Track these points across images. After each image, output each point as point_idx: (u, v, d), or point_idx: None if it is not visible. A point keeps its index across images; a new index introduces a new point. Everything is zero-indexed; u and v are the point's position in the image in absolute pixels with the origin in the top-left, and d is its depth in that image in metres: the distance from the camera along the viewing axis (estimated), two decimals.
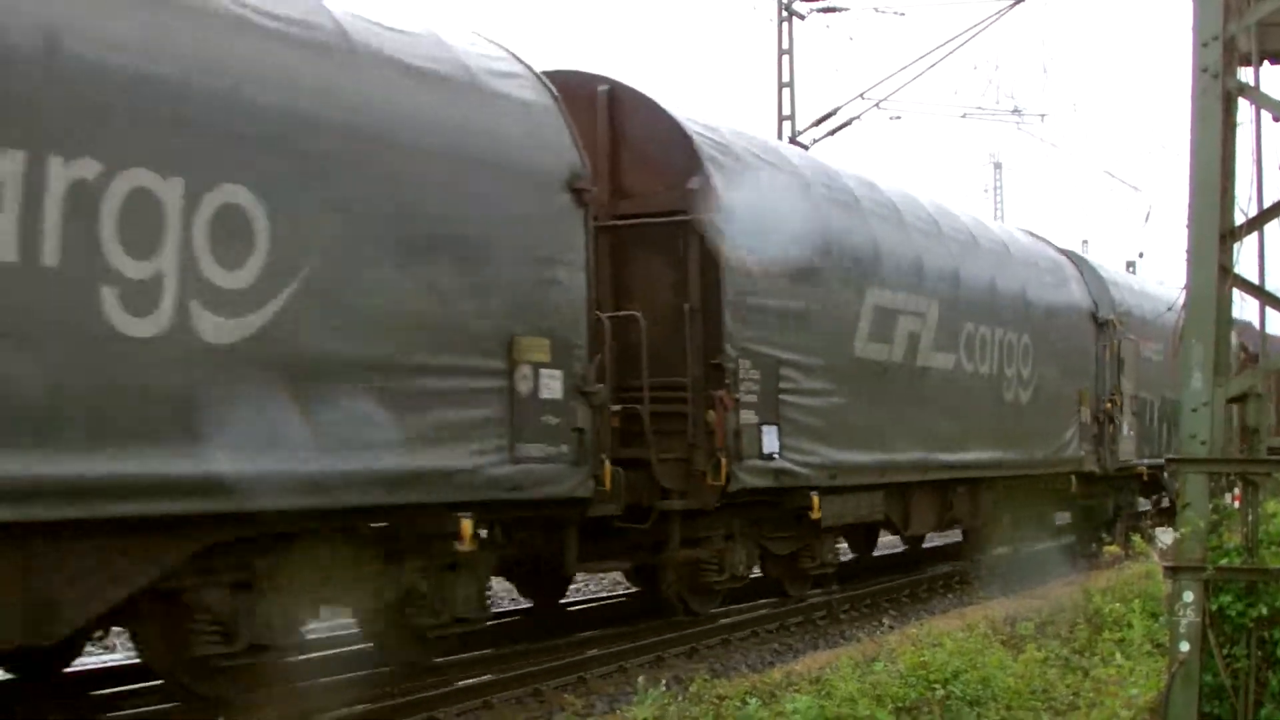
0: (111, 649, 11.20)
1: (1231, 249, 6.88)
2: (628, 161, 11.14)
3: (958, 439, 14.42)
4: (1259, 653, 6.51)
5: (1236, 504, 7.00)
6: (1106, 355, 18.27)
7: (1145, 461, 18.97)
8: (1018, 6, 19.53)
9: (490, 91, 9.11)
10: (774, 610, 12.67)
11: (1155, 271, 29.15)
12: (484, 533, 9.02)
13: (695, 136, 11.10)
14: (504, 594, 13.64)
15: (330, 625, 10.39)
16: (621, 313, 10.50)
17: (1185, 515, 6.67)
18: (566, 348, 9.36)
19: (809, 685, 8.80)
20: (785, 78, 22.44)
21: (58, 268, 6.46)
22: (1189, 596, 6.56)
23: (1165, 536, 10.36)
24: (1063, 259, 18.12)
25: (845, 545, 16.02)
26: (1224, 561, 6.59)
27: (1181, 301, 7.01)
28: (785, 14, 22.52)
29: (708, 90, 70.11)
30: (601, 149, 10.92)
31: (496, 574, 10.50)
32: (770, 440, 11.36)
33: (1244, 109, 6.92)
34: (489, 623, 10.05)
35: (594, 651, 10.39)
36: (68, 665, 9.06)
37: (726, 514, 11.46)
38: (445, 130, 8.58)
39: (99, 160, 6.63)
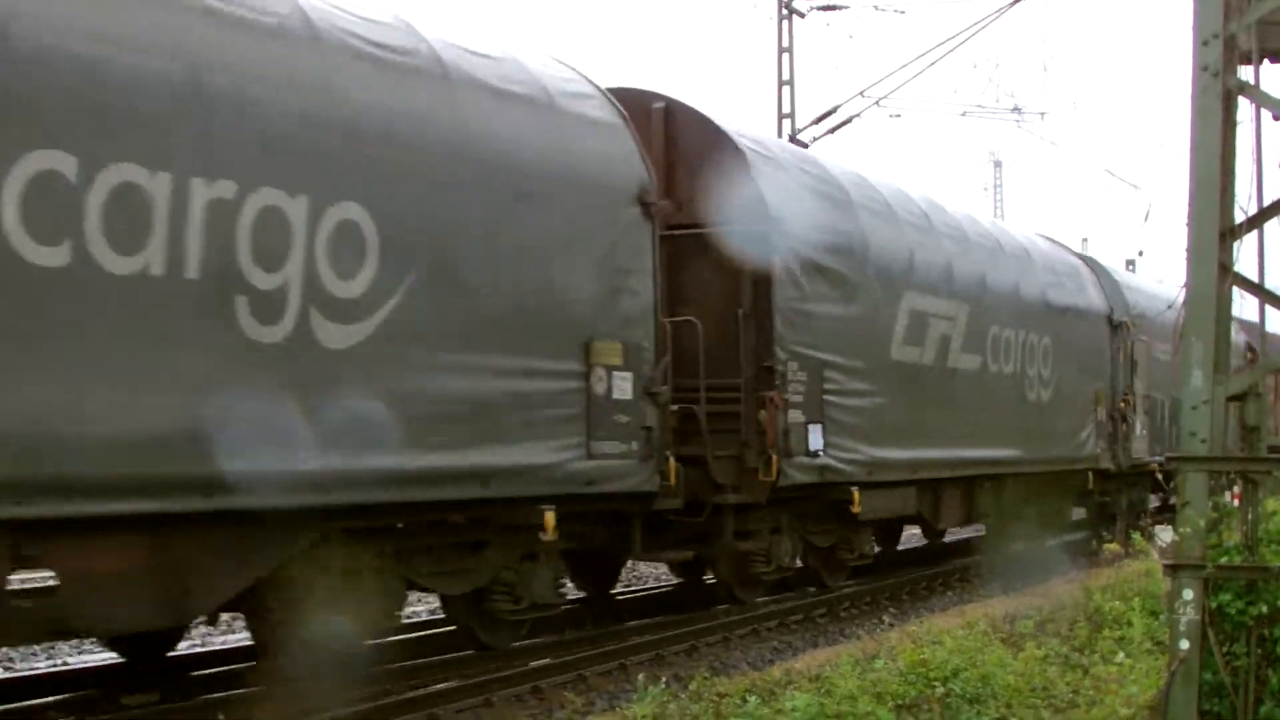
0: None
1: (1231, 247, 6.88)
2: (682, 174, 11.76)
3: (984, 437, 15.07)
4: (1259, 651, 6.50)
5: (1236, 502, 7.00)
6: (1121, 356, 18.92)
7: (1157, 459, 19.62)
8: (1018, 5, 19.75)
9: (567, 112, 9.75)
10: (773, 608, 12.77)
11: (1155, 270, 29.64)
12: None
13: (747, 151, 11.74)
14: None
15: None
16: (679, 318, 11.09)
17: (1185, 513, 6.67)
18: (636, 351, 10.00)
19: (809, 683, 8.83)
20: (785, 75, 22.53)
21: (198, 279, 7.09)
22: (1189, 594, 6.55)
23: (1165, 534, 10.84)
24: (1080, 263, 18.78)
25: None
26: (1224, 559, 6.57)
27: (1182, 300, 7.06)
28: (785, 12, 22.59)
29: (708, 88, 70.68)
30: (657, 162, 11.52)
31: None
32: (815, 438, 12.00)
33: (1244, 107, 6.91)
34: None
35: (594, 649, 10.43)
36: (171, 650, 9.67)
37: (774, 508, 12.09)
38: (530, 149, 9.21)
39: (235, 181, 7.25)
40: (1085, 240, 38.14)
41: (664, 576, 15.59)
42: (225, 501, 7.19)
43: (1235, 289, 7.04)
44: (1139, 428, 19.22)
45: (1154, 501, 21.19)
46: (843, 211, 12.79)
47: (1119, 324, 18.83)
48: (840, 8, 23.42)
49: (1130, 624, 10.02)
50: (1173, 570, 6.63)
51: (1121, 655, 9.06)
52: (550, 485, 9.27)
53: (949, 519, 15.34)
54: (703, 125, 11.88)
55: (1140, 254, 39.38)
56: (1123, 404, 18.89)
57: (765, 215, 11.58)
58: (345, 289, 7.83)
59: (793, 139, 20.35)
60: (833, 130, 20.94)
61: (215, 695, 8.73)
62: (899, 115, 28.70)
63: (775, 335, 11.54)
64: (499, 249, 8.88)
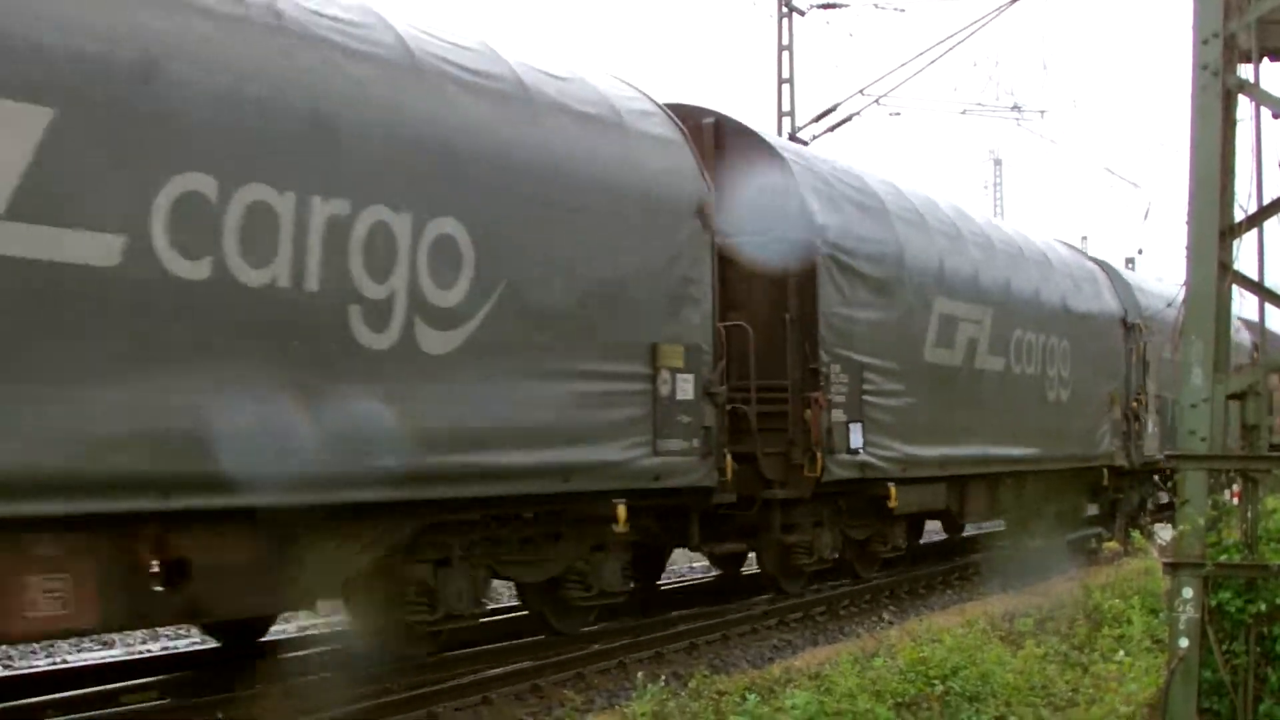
0: (110, 644, 11.63)
1: (1231, 246, 6.87)
2: (731, 186, 12.36)
3: (1007, 435, 15.70)
4: (1258, 649, 6.49)
5: (1236, 500, 7.00)
6: (1133, 357, 19.57)
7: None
8: (1018, 3, 20.07)
9: (634, 130, 10.37)
10: (773, 606, 12.81)
11: (1154, 268, 29.94)
12: None
13: (792, 164, 12.38)
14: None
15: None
16: (730, 322, 11.71)
17: (1185, 511, 6.66)
18: (697, 354, 10.63)
19: (808, 681, 8.83)
20: (785, 74, 22.46)
21: (319, 291, 7.71)
22: (1188, 593, 6.54)
23: (1165, 533, 11.29)
24: (1095, 268, 19.44)
25: None
26: (1223, 558, 6.57)
27: (1182, 298, 7.07)
28: (785, 10, 22.58)
29: (708, 86, 71.14)
30: (708, 175, 12.14)
31: None
32: (856, 436, 12.64)
33: (1244, 106, 6.91)
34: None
35: (594, 647, 10.44)
36: (263, 635, 10.27)
37: (815, 503, 12.73)
38: (604, 166, 9.84)
39: (349, 199, 7.87)
40: (1085, 238, 38.59)
41: (680, 570, 16.18)
42: (344, 495, 7.81)
43: (1235, 287, 7.05)
44: (1150, 426, 19.87)
45: (1165, 497, 21.85)
46: (879, 220, 13.42)
47: (1132, 326, 19.48)
48: (840, 6, 23.45)
49: (1130, 622, 9.99)
50: (1172, 568, 6.63)
51: (1121, 653, 9.02)
52: (621, 480, 9.89)
53: (974, 514, 15.99)
54: (750, 139, 12.51)
55: (1140, 252, 39.55)
56: (1135, 403, 19.54)
57: (810, 225, 12.22)
58: (444, 298, 8.45)
59: (792, 137, 20.41)
60: (832, 128, 20.94)
61: (215, 695, 8.68)
62: (899, 113, 28.42)
63: (820, 339, 12.18)
64: (577, 259, 9.49)
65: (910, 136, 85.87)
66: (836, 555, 13.41)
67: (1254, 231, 7.00)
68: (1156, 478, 21.00)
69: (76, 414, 6.56)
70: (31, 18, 6.46)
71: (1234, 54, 6.83)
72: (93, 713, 8.23)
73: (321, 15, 8.10)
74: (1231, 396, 6.71)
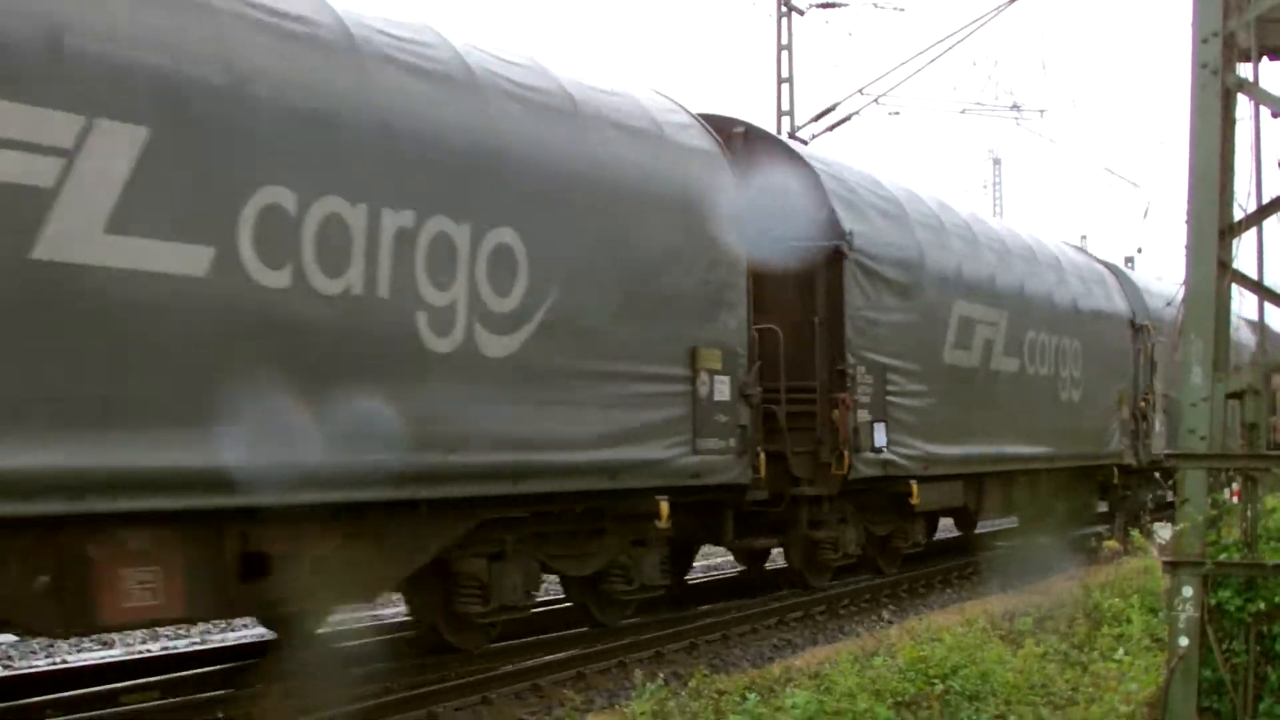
0: (110, 644, 11.64)
1: (1230, 245, 6.83)
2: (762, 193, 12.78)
3: (1021, 434, 16.13)
4: (1257, 648, 6.47)
5: (1236, 499, 6.95)
6: (1141, 358, 20.01)
7: None
8: (1017, 2, 20.03)
9: (674, 142, 10.79)
10: (772, 605, 12.90)
11: (1154, 267, 30.00)
12: None
13: (820, 173, 12.80)
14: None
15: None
16: (762, 326, 12.12)
17: (1184, 510, 6.62)
18: (733, 357, 11.05)
19: (808, 680, 8.82)
20: (784, 73, 22.40)
21: (389, 298, 8.12)
22: (1188, 591, 6.51)
23: (1164, 532, 11.45)
24: (1104, 270, 19.88)
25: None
26: (1223, 557, 6.55)
27: (1181, 297, 7.03)
28: (784, 9, 22.56)
29: (707, 85, 71.42)
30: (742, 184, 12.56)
31: None
32: (880, 436, 13.06)
33: (1243, 105, 6.87)
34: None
35: (593, 647, 10.46)
36: (319, 628, 10.66)
37: (841, 500, 13.15)
38: (648, 177, 10.26)
39: (415, 210, 8.28)
40: (1084, 238, 38.83)
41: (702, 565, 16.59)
42: (413, 491, 8.23)
43: (1234, 286, 6.98)
44: (1158, 425, 20.31)
45: (1171, 495, 22.28)
46: (900, 226, 13.85)
47: (1140, 327, 19.92)
48: (839, 5, 23.46)
49: (1129, 621, 9.97)
50: (1172, 567, 6.62)
51: (1121, 652, 8.98)
52: (663, 478, 10.32)
53: (990, 511, 16.42)
54: (779, 148, 12.95)
55: (1139, 251, 39.49)
56: (1143, 403, 19.98)
57: (838, 231, 12.65)
58: (501, 304, 8.87)
59: (791, 136, 20.30)
60: (831, 128, 20.87)
61: (215, 693, 8.76)
62: (898, 113, 28.04)
63: (846, 341, 12.61)
64: (622, 266, 9.91)
65: (909, 136, 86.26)
66: (860, 551, 13.83)
67: (1253, 230, 6.94)
68: (1158, 475, 21.43)
69: (174, 415, 6.96)
70: (128, 41, 6.85)
71: (1233, 53, 6.80)
72: (92, 713, 8.25)
73: (387, 34, 8.51)
74: (1231, 395, 6.68)
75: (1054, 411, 17.14)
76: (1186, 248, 6.78)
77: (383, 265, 8.07)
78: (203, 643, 11.17)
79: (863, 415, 12.79)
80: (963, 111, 27.93)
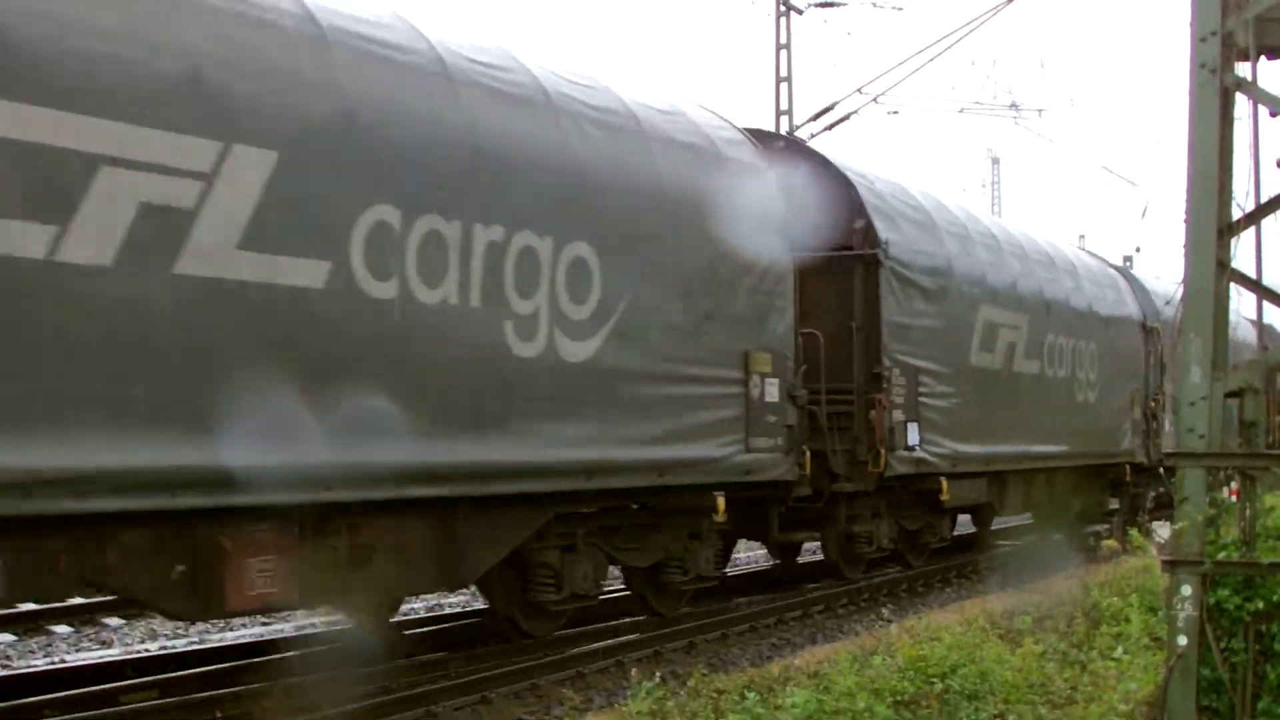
0: (109, 644, 11.67)
1: (1229, 244, 6.81)
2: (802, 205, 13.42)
3: (1041, 433, 16.80)
4: (1256, 646, 6.46)
5: (1234, 498, 6.96)
6: (1151, 359, 20.68)
7: None
8: (1015, 2, 20.11)
9: (727, 158, 11.42)
10: (771, 605, 13.03)
11: (1152, 267, 30.15)
12: None
13: (857, 185, 13.45)
14: None
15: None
16: (803, 330, 12.75)
17: (1183, 509, 6.60)
18: (781, 360, 11.68)
19: (807, 679, 8.84)
20: (783, 72, 22.47)
21: (480, 307, 8.74)
22: (1187, 590, 6.49)
23: (1163, 531, 11.79)
24: (1118, 275, 20.57)
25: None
26: (1222, 556, 6.54)
27: (1180, 296, 7.03)
28: (783, 8, 22.67)
29: (706, 84, 71.92)
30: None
31: None
32: (913, 435, 13.71)
33: (1242, 104, 6.86)
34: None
35: (592, 646, 10.55)
36: (394, 615, 11.29)
37: (875, 496, 13.80)
38: (705, 192, 10.88)
39: (503, 226, 8.91)
40: (1082, 237, 39.13)
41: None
42: (502, 487, 8.86)
43: (1233, 285, 6.98)
44: (1167, 425, 20.95)
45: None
46: (930, 234, 14.50)
47: (1150, 330, 20.58)
48: (838, 4, 23.61)
49: (1128, 620, 9.95)
50: (1171, 566, 6.62)
51: (1120, 651, 8.99)
52: (719, 475, 10.96)
53: (1011, 507, 17.09)
54: (818, 161, 13.58)
55: (1137, 250, 39.60)
56: (1153, 403, 20.65)
57: (874, 240, 13.30)
58: (577, 312, 9.50)
59: (790, 135, 20.19)
60: (830, 127, 20.89)
61: (213, 693, 8.74)
62: (897, 112, 27.82)
63: (882, 346, 13.26)
64: (683, 276, 10.54)
65: (908, 135, 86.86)
66: (892, 545, 14.48)
67: (1252, 229, 6.94)
68: (1162, 472, 22.07)
69: (289, 417, 7.58)
70: (257, 74, 7.47)
71: (1232, 52, 6.78)
72: (91, 713, 8.24)
73: (475, 62, 9.13)
74: (1230, 394, 6.67)
75: (1071, 411, 17.80)
76: (1185, 247, 6.78)
77: (475, 276, 8.69)
78: (201, 642, 11.39)
79: (897, 415, 13.44)
80: (961, 111, 28.10)
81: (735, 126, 12.10)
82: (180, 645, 11.18)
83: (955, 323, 14.70)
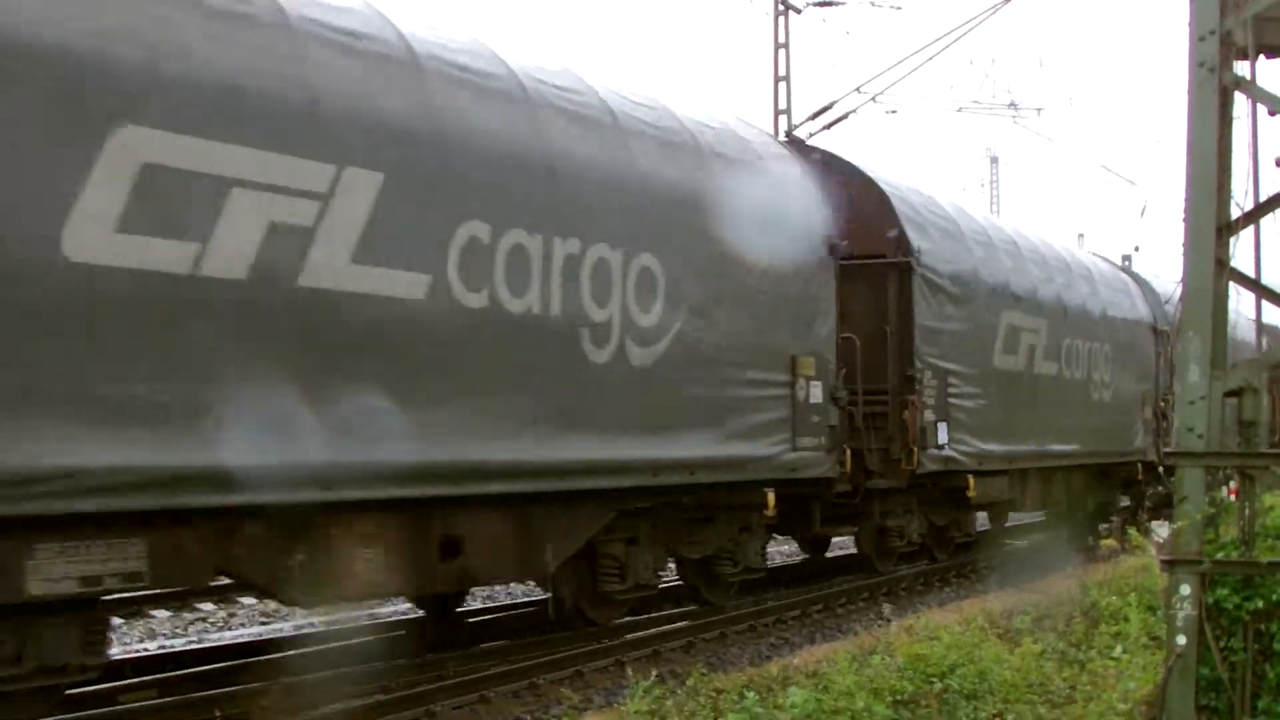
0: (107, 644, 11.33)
1: (1228, 243, 6.79)
2: (838, 215, 14.04)
3: (1059, 433, 17.47)
4: (1255, 646, 6.45)
5: (1233, 497, 6.96)
6: (1162, 361, 21.35)
7: None
8: (1013, 1, 20.36)
9: (774, 171, 12.08)
10: (770, 604, 13.07)
11: (1151, 266, 30.19)
12: None
13: (890, 195, 14.10)
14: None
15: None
16: (843, 335, 13.39)
17: (1182, 509, 6.59)
18: (824, 364, 12.33)
19: (806, 679, 8.85)
20: (782, 71, 22.05)
21: (560, 315, 9.37)
22: (1186, 590, 6.48)
23: (1162, 530, 11.37)
24: (1129, 279, 21.25)
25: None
26: (1220, 555, 6.54)
27: (1179, 296, 7.03)
28: (781, 7, 22.32)
29: (704, 84, 72.25)
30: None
31: None
32: (942, 434, 14.37)
33: (1240, 103, 6.84)
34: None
35: (590, 645, 10.59)
36: (460, 606, 11.91)
37: (907, 493, 14.46)
38: (755, 204, 11.51)
39: (579, 239, 9.53)
40: (1081, 236, 39.38)
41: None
42: (579, 483, 9.50)
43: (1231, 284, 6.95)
44: (1176, 424, 21.62)
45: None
46: (957, 243, 15.15)
47: (1161, 332, 21.25)
48: (836, 3, 23.35)
49: (1127, 619, 9.91)
50: (1170, 566, 6.62)
51: (1119, 650, 8.98)
52: (769, 472, 11.60)
53: (1031, 504, 17.76)
54: (854, 173, 14.24)
55: (1136, 249, 39.90)
56: (1163, 403, 21.31)
57: (908, 249, 13.95)
58: (645, 320, 10.13)
59: (789, 135, 19.95)
60: (829, 126, 20.41)
61: (211, 692, 8.70)
62: (895, 111, 26.63)
63: (915, 349, 13.92)
64: (738, 284, 11.18)
65: (907, 134, 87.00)
66: (921, 539, 15.13)
67: (1251, 228, 6.94)
68: (1161, 471, 22.73)
69: (397, 418, 8.21)
70: (366, 102, 8.09)
71: (1231, 51, 6.77)
72: (90, 712, 8.23)
73: (549, 85, 9.76)
74: (1229, 394, 6.67)
75: (1086, 411, 18.47)
76: (1184, 246, 6.76)
77: (555, 287, 9.33)
78: (199, 642, 11.41)
79: (928, 415, 14.09)
80: (960, 110, 28.04)
81: (776, 140, 12.74)
82: (178, 645, 11.28)
83: (980, 327, 15.36)
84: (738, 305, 11.18)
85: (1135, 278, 21.80)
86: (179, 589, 12.08)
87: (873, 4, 24.20)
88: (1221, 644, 6.52)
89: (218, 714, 8.11)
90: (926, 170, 77.42)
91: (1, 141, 6.30)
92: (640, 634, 11.25)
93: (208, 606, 13.51)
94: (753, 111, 60.27)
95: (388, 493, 8.17)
